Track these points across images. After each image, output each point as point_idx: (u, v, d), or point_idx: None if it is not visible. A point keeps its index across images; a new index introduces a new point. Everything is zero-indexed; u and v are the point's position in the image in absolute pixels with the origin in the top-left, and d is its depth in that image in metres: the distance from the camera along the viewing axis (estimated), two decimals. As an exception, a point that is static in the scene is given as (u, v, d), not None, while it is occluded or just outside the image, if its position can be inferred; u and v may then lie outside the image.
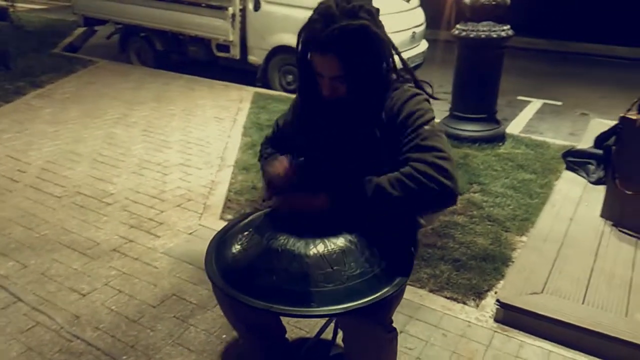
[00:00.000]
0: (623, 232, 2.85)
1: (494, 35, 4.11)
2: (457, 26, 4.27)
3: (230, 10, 6.26)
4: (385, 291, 1.35)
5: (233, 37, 6.41)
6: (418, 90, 1.48)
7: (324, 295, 1.32)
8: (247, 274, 1.40)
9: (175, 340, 2.18)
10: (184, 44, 7.04)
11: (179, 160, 4.07)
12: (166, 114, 5.21)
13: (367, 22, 1.36)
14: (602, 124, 4.79)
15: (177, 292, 2.50)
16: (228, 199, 3.44)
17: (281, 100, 5.68)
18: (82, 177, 3.71)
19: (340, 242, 1.41)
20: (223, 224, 3.10)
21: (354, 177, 1.40)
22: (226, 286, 1.39)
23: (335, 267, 1.36)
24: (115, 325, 2.26)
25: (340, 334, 2.08)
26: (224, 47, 6.57)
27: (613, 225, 2.92)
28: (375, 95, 1.46)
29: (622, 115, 2.80)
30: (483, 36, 4.11)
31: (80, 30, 8.57)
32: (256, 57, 6.43)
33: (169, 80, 6.51)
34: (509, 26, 4.21)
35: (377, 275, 1.38)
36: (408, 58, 5.61)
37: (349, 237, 1.43)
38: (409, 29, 6.10)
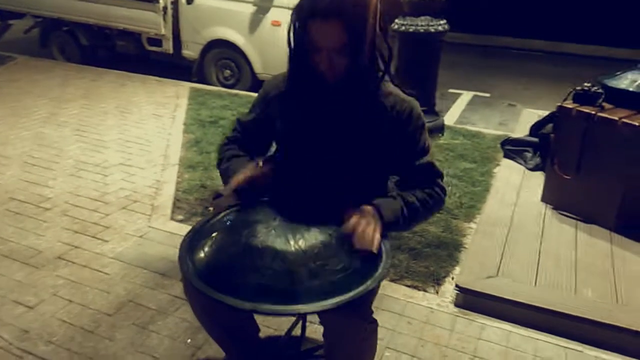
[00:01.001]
0: (563, 215, 3.04)
1: (432, 30, 4.23)
2: (397, 21, 4.35)
3: (162, 2, 6.04)
4: (369, 284, 1.35)
5: (165, 30, 6.19)
6: (412, 99, 1.51)
7: (311, 291, 1.30)
8: (227, 274, 1.35)
9: (138, 349, 2.09)
10: (112, 38, 6.73)
11: (119, 160, 3.88)
12: (98, 112, 4.95)
13: None
14: (533, 113, 5.09)
15: (133, 298, 2.39)
16: (177, 199, 3.33)
17: (220, 96, 5.57)
18: (13, 181, 3.45)
19: (319, 235, 1.40)
20: (174, 225, 3.03)
21: (343, 170, 1.41)
22: (208, 288, 1.34)
23: (318, 262, 1.34)
24: (70, 338, 2.13)
25: (310, 328, 2.09)
26: (156, 41, 6.34)
27: (553, 208, 3.11)
28: (373, 76, 1.45)
29: (559, 104, 2.97)
30: (422, 30, 4.21)
31: (-7, 24, 7.95)
32: (191, 51, 6.25)
33: (97, 76, 6.19)
34: (445, 20, 4.35)
35: (358, 269, 1.38)
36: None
37: (326, 229, 1.42)
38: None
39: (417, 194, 1.48)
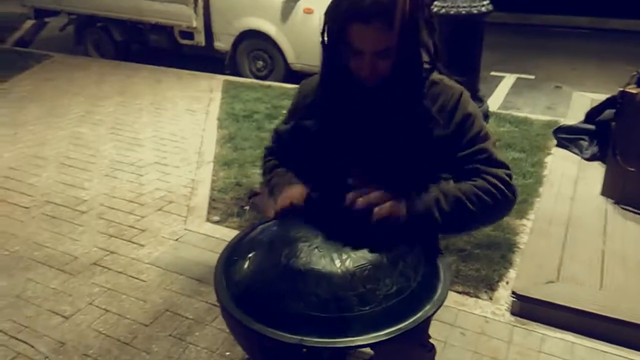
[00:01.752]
0: (626, 210, 2.79)
1: (475, 11, 3.97)
2: (436, 3, 4.11)
3: (192, -5, 5.96)
4: (427, 309, 1.19)
5: (197, 23, 6.12)
6: (460, 86, 1.34)
7: (361, 320, 1.15)
8: (267, 301, 1.21)
9: (175, 363, 2.00)
10: (145, 33, 6.70)
11: (154, 159, 3.82)
12: (134, 109, 4.91)
13: None
14: (583, 96, 4.77)
15: (170, 307, 2.30)
16: (212, 199, 3.23)
17: (253, 88, 5.45)
18: (50, 183, 3.43)
19: (368, 254, 1.24)
20: (210, 227, 2.93)
21: (389, 177, 1.24)
22: (247, 318, 1.20)
23: (368, 286, 1.18)
24: (106, 350, 2.06)
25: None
26: (188, 34, 6.28)
27: (615, 203, 2.86)
28: (419, 78, 1.29)
29: (621, 89, 2.72)
30: (464, 12, 3.97)
31: (30, 23, 7.98)
32: (223, 43, 6.16)
33: (132, 72, 6.17)
34: (488, 0, 4.09)
35: (415, 291, 1.22)
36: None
37: (376, 247, 1.26)
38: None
39: (464, 185, 1.26)
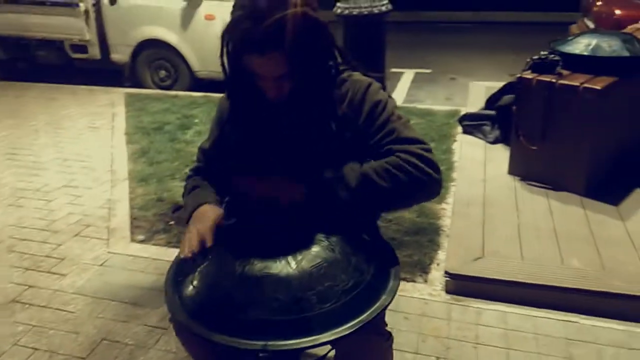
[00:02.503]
0: (532, 185, 3.05)
1: (376, 11, 4.13)
2: (338, 5, 4.22)
3: (82, 6, 5.65)
4: (384, 299, 1.24)
5: (89, 35, 5.82)
6: (368, 78, 1.37)
7: (323, 318, 1.17)
8: (226, 312, 1.19)
9: (123, 392, 1.89)
10: (31, 49, 6.22)
11: (61, 182, 3.57)
12: (29, 130, 4.55)
13: (304, 8, 1.20)
14: (479, 85, 5.13)
15: (107, 335, 2.17)
16: (133, 218, 3.08)
17: (159, 99, 5.27)
18: (-57, 221, 3.09)
19: (321, 251, 1.26)
20: (136, 247, 2.80)
21: (314, 181, 1.27)
22: (208, 332, 1.17)
23: (326, 284, 1.20)
24: (42, 392, 1.91)
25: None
26: (81, 48, 5.93)
27: (522, 180, 3.11)
28: (325, 87, 1.32)
29: (519, 75, 2.96)
30: (365, 12, 4.11)
31: None
32: (120, 55, 5.89)
33: (21, 91, 5.71)
34: (387, 0, 4.26)
35: (370, 283, 1.26)
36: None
37: (326, 243, 1.28)
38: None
39: (374, 163, 1.25)
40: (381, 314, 1.29)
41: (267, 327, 1.13)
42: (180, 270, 1.32)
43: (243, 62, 1.22)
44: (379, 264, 1.31)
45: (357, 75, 1.36)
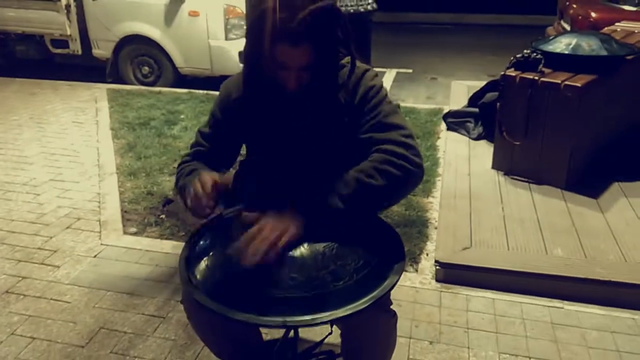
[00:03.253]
0: (515, 179, 3.16)
1: (362, 9, 4.23)
2: (325, 2, 4.29)
3: (63, 0, 5.58)
4: (393, 276, 1.31)
5: (71, 30, 5.76)
6: (366, 65, 1.44)
7: (338, 294, 1.23)
8: (243, 290, 1.24)
9: (124, 378, 1.92)
10: (10, 44, 6.13)
11: (48, 176, 3.55)
12: (11, 125, 4.49)
13: (332, 1, 1.26)
14: (461, 84, 5.25)
15: (105, 324, 2.19)
16: (124, 211, 3.09)
17: (143, 95, 5.25)
18: None
19: (332, 235, 1.32)
20: (130, 239, 2.82)
21: (323, 173, 1.30)
22: (226, 309, 1.22)
23: (339, 263, 1.27)
24: (42, 379, 1.92)
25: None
26: (62, 43, 5.87)
27: (505, 174, 3.22)
28: (336, 77, 1.37)
29: (503, 73, 3.07)
30: (352, 10, 4.20)
31: None
32: (102, 50, 5.86)
33: (1, 86, 5.61)
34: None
35: (379, 262, 1.33)
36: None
37: (336, 230, 1.35)
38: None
39: (362, 165, 1.27)
40: (389, 292, 1.36)
41: (284, 305, 1.17)
42: (192, 253, 1.36)
43: (269, 52, 1.24)
44: (385, 245, 1.37)
45: (351, 61, 1.39)
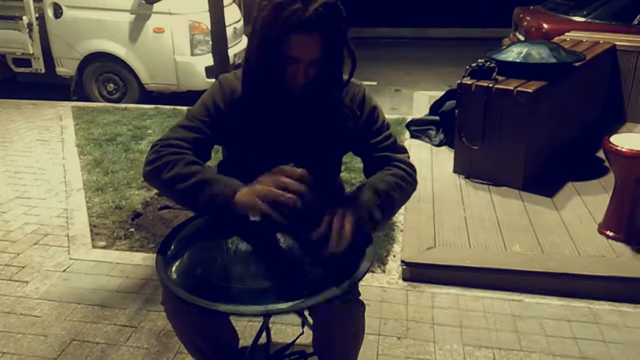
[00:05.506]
0: (475, 182, 3.30)
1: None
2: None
3: (25, 19, 5.54)
4: (365, 264, 1.37)
5: (33, 49, 5.70)
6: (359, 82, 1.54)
7: (316, 281, 1.29)
8: (222, 283, 1.28)
9: (97, 387, 1.93)
10: (-31, 63, 6.02)
11: (13, 194, 3.51)
12: (-27, 144, 4.42)
13: None
14: (423, 95, 5.42)
15: (76, 336, 2.19)
16: (93, 225, 3.09)
17: (108, 112, 5.23)
18: None
19: (305, 229, 1.39)
20: (99, 252, 2.83)
21: (315, 175, 1.37)
22: (208, 302, 1.26)
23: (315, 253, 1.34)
24: (14, 393, 1.91)
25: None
26: (24, 61, 5.80)
27: (465, 177, 3.36)
28: (341, 81, 1.44)
29: (459, 82, 3.21)
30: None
31: None
32: (66, 69, 5.80)
33: (-40, 106, 5.52)
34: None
35: (351, 251, 1.39)
36: (234, 54, 5.62)
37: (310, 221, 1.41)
38: (230, 24, 6.08)
39: (385, 178, 1.40)
40: (365, 275, 1.43)
41: (265, 294, 1.22)
42: (166, 257, 1.40)
43: (282, 44, 1.28)
44: (358, 237, 1.45)
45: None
